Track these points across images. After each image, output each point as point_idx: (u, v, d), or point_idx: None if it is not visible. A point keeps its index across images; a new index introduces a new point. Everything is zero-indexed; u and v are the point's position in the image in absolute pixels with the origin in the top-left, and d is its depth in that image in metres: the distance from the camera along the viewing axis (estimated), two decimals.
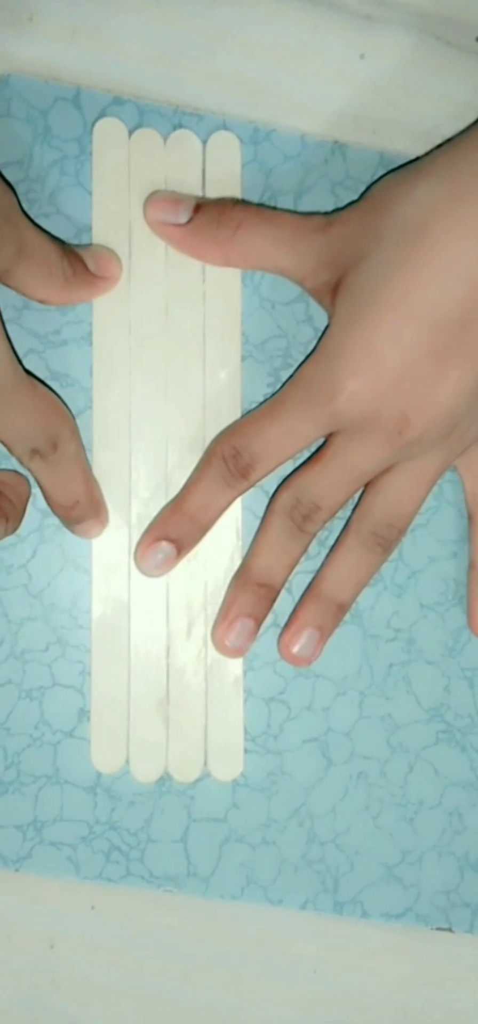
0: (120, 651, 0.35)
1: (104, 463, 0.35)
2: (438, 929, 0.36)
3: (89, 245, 0.35)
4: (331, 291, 0.33)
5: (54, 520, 0.35)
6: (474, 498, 0.36)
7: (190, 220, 0.34)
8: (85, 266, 0.34)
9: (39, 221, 0.34)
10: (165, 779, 0.35)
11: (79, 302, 0.35)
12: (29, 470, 0.33)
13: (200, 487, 0.34)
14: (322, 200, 0.36)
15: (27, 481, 0.35)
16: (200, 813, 0.35)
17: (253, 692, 0.36)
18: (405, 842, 0.36)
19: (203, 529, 0.34)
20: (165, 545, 0.34)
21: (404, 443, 0.32)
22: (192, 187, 0.35)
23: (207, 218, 0.34)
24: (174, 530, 0.34)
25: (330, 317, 0.33)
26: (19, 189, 0.35)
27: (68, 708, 0.35)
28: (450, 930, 0.36)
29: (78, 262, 0.34)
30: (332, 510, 0.34)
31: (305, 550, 0.34)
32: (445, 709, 0.36)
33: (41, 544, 0.35)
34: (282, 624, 0.36)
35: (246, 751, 0.35)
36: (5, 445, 0.33)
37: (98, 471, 0.35)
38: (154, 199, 0.35)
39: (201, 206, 0.35)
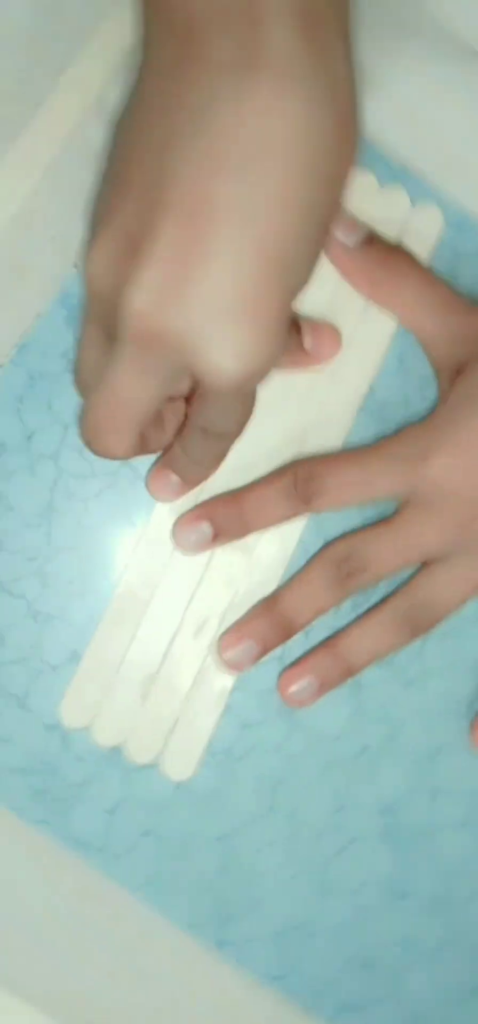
0: (132, 618, 0.34)
1: None
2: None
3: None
4: (455, 371, 0.33)
5: (131, 472, 0.34)
6: None
7: (360, 247, 0.34)
8: (300, 341, 0.33)
9: None
10: (119, 750, 0.34)
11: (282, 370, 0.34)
12: (189, 436, 0.31)
13: (258, 493, 0.34)
14: None
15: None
16: (135, 796, 0.34)
17: (232, 710, 0.35)
18: (308, 913, 0.36)
19: (247, 531, 0.34)
20: (205, 525, 0.33)
21: (473, 535, 0.33)
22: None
23: (375, 254, 0.34)
24: (220, 518, 0.33)
25: (444, 394, 0.34)
26: None
27: (63, 646, 0.34)
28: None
29: (295, 334, 0.33)
30: (378, 576, 0.33)
31: (338, 604, 0.34)
32: (398, 810, 0.36)
33: (109, 488, 0.34)
34: (286, 659, 0.35)
35: (202, 762, 0.34)
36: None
37: None
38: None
39: (374, 240, 0.34)
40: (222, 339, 0.23)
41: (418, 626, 0.34)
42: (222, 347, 0.23)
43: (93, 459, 0.34)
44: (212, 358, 0.24)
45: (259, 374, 0.25)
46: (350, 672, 0.34)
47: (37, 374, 0.34)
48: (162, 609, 0.34)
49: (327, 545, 0.34)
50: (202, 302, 0.23)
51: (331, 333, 0.34)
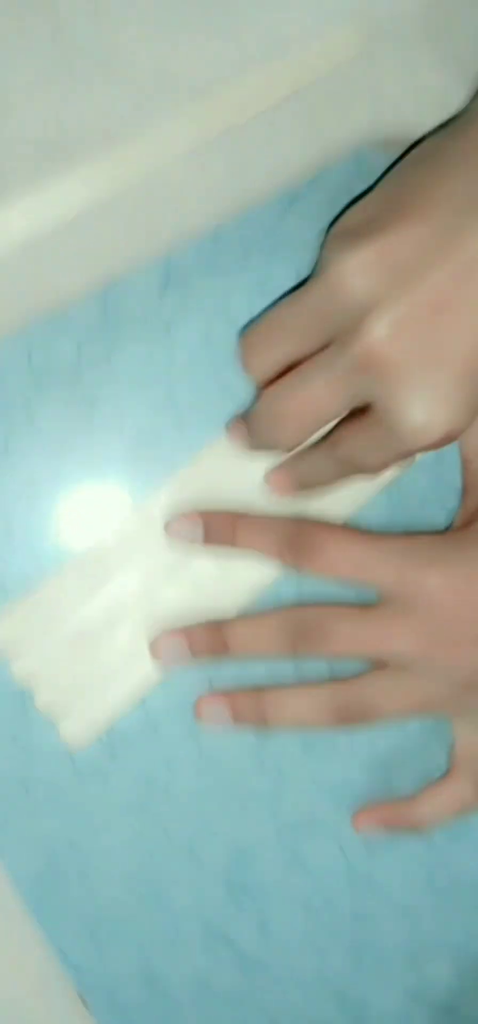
0: (96, 576, 0.33)
1: None
2: None
3: None
4: None
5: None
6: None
7: None
8: None
9: None
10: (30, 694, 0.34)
11: None
12: (325, 453, 0.31)
13: (256, 526, 0.33)
14: None
15: None
16: (20, 732, 0.34)
17: (148, 704, 0.34)
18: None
19: (233, 545, 0.33)
20: (199, 527, 0.33)
21: (437, 660, 0.32)
22: None
23: None
24: (216, 525, 0.33)
25: (466, 513, 0.35)
26: None
27: (22, 571, 0.33)
28: None
29: None
30: (333, 654, 0.33)
31: (283, 658, 0.33)
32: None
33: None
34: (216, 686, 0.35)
35: (98, 738, 0.34)
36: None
37: None
38: None
39: None
40: (439, 397, 0.26)
41: (347, 719, 0.33)
42: (436, 405, 0.26)
43: None
44: (421, 412, 0.27)
45: (445, 443, 0.27)
46: (264, 724, 0.34)
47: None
48: (125, 581, 0.33)
49: (293, 610, 0.33)
50: (437, 356, 0.26)
51: None
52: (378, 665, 0.33)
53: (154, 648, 0.33)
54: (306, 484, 0.32)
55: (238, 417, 0.33)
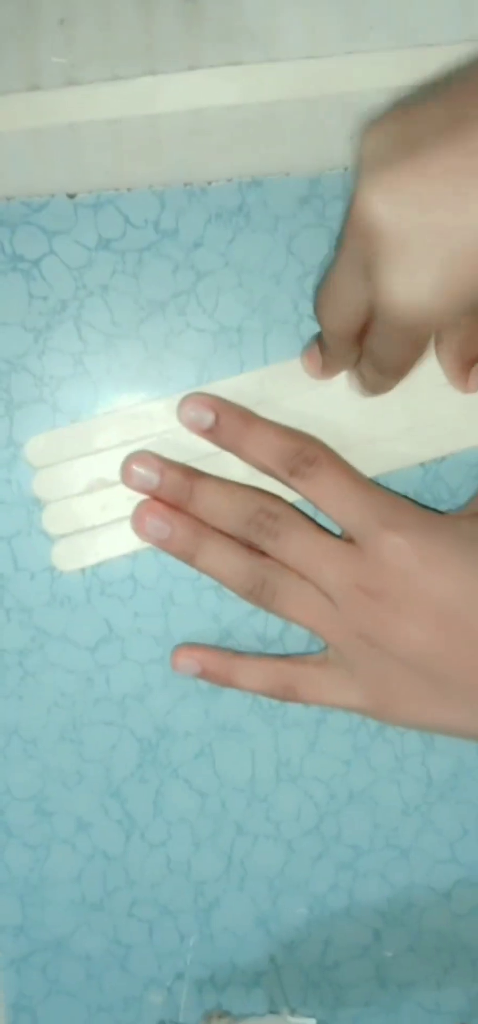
0: (133, 432, 0.36)
1: None
2: None
3: None
4: None
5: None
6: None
7: None
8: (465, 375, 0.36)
9: None
10: (40, 506, 0.36)
11: None
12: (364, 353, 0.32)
13: (267, 440, 0.34)
14: None
15: None
16: (16, 538, 0.36)
17: (136, 567, 0.36)
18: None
19: (239, 445, 0.35)
20: (209, 413, 0.34)
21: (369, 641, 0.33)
22: None
23: None
24: (225, 420, 0.34)
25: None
26: None
27: (73, 403, 0.36)
28: None
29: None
30: (275, 547, 0.34)
31: (235, 533, 0.35)
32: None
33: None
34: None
35: (82, 571, 0.36)
36: None
37: None
38: None
39: None
40: (415, 270, 0.26)
41: (254, 593, 0.35)
42: (418, 285, 0.26)
43: None
44: (401, 287, 0.26)
45: (424, 329, 0.27)
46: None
47: None
48: (156, 446, 0.35)
49: (272, 495, 0.35)
50: (425, 229, 0.25)
51: None
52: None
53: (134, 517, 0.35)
54: (331, 369, 0.34)
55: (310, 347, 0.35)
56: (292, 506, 0.35)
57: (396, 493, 0.35)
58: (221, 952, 0.39)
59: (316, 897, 0.39)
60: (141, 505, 0.35)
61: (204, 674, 0.36)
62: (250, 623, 0.37)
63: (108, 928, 0.39)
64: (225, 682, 0.36)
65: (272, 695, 0.36)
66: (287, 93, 0.34)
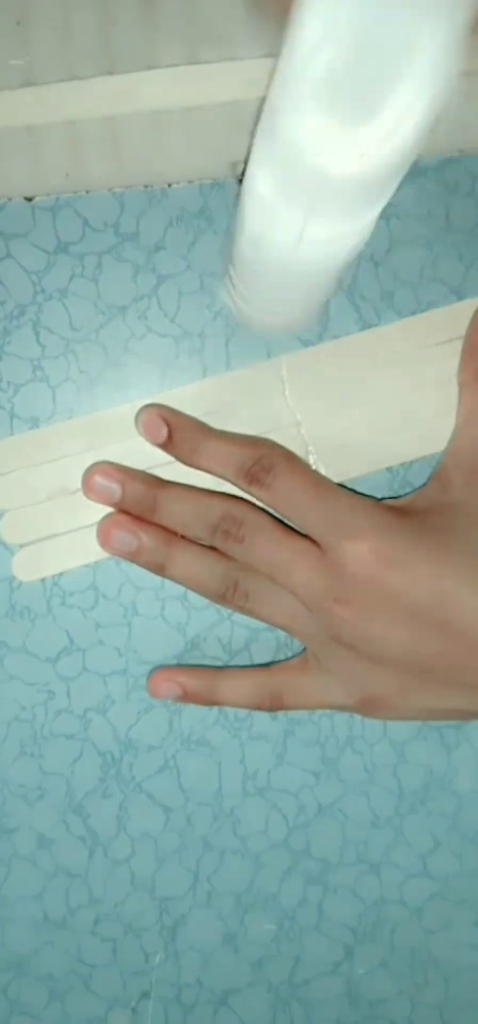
0: (95, 439, 0.35)
1: None
2: None
3: None
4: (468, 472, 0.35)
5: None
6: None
7: None
8: None
9: None
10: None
11: None
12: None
13: (224, 450, 0.34)
14: None
15: None
16: None
17: (98, 576, 0.36)
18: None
19: (196, 461, 0.34)
20: (163, 429, 0.34)
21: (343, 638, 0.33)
22: None
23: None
24: (180, 434, 0.34)
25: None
26: None
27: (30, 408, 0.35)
28: None
29: None
30: (242, 552, 0.34)
31: (200, 540, 0.34)
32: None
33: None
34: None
35: (42, 581, 0.36)
36: None
37: None
38: None
39: None
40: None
41: (227, 597, 0.34)
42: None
43: None
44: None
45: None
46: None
47: None
48: (118, 455, 0.35)
49: (236, 499, 0.34)
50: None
51: None
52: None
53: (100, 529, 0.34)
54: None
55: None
56: (257, 508, 0.34)
57: (358, 493, 0.34)
58: (187, 971, 0.38)
59: (285, 913, 0.38)
60: (106, 519, 0.34)
61: (186, 697, 0.35)
62: (215, 633, 0.36)
63: (71, 947, 0.38)
64: (209, 702, 0.35)
65: (259, 708, 0.35)
66: (247, 93, 0.33)
